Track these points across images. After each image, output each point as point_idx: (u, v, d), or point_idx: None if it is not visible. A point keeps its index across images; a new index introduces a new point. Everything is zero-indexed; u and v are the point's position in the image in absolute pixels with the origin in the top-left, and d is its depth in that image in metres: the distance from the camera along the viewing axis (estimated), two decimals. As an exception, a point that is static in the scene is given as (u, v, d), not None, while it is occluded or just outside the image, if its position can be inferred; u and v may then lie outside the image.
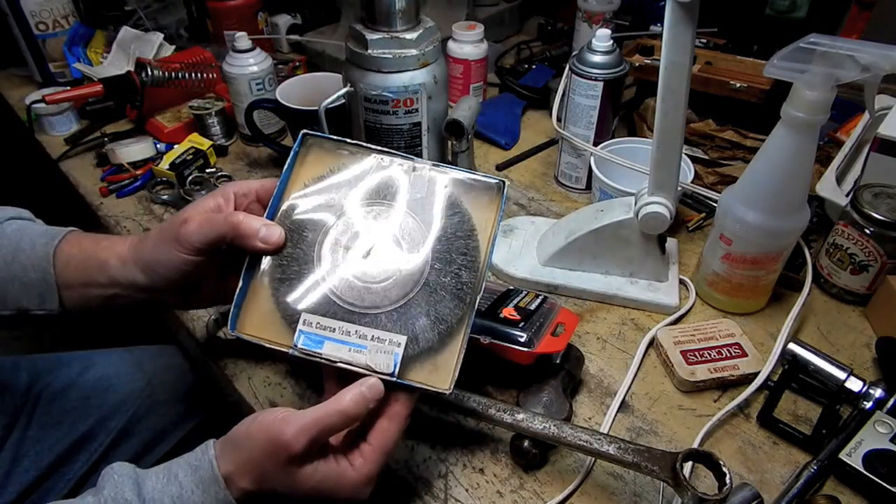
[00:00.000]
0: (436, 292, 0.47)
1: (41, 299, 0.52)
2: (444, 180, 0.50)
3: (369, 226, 0.49)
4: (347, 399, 0.42)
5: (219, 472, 0.41)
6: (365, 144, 0.51)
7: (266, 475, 0.41)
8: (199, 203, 0.50)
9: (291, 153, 0.51)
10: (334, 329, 0.45)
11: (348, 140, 0.51)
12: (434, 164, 0.51)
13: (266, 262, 0.48)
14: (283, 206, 0.49)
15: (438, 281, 0.47)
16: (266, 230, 0.47)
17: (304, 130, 0.52)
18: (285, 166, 0.50)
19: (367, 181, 0.50)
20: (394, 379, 0.44)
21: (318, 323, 0.46)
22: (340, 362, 0.45)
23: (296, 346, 0.45)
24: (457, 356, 0.45)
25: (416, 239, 0.48)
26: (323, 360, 0.45)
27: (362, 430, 0.45)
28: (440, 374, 0.45)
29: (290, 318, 0.46)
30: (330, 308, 0.46)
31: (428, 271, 0.47)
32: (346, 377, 0.45)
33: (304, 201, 0.49)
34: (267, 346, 0.46)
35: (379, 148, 0.51)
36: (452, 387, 0.44)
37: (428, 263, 0.47)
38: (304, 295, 0.47)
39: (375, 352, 0.45)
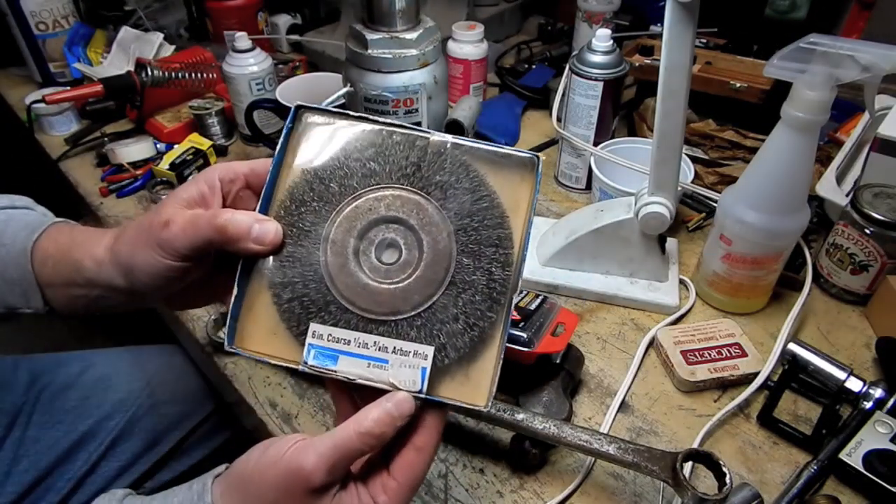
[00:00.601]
0: (465, 293, 0.41)
1: (25, 298, 0.48)
2: (465, 157, 0.43)
3: (381, 214, 0.42)
4: (371, 420, 0.36)
5: None
6: (370, 117, 0.43)
7: None
8: (179, 194, 0.43)
9: (284, 130, 0.43)
10: (349, 341, 0.40)
11: (350, 112, 0.44)
12: (455, 138, 0.43)
13: (263, 264, 0.41)
14: (279, 196, 0.42)
15: (467, 279, 0.41)
16: (259, 228, 0.40)
17: (298, 102, 0.44)
18: (277, 146, 0.43)
19: (375, 161, 0.43)
20: (422, 396, 0.39)
21: (331, 335, 0.40)
22: (359, 380, 0.39)
23: (306, 362, 0.40)
24: (493, 366, 0.40)
25: (438, 229, 0.41)
26: (339, 378, 0.39)
27: (385, 453, 0.40)
28: (473, 387, 0.40)
29: (297, 330, 0.40)
30: (342, 316, 0.40)
31: (454, 268, 0.41)
32: (362, 393, 0.40)
33: (302, 188, 0.42)
34: (273, 362, 0.40)
35: (386, 120, 0.43)
36: (490, 402, 0.39)
37: (453, 259, 0.41)
38: (311, 301, 0.41)
39: (399, 366, 0.39)
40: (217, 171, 0.44)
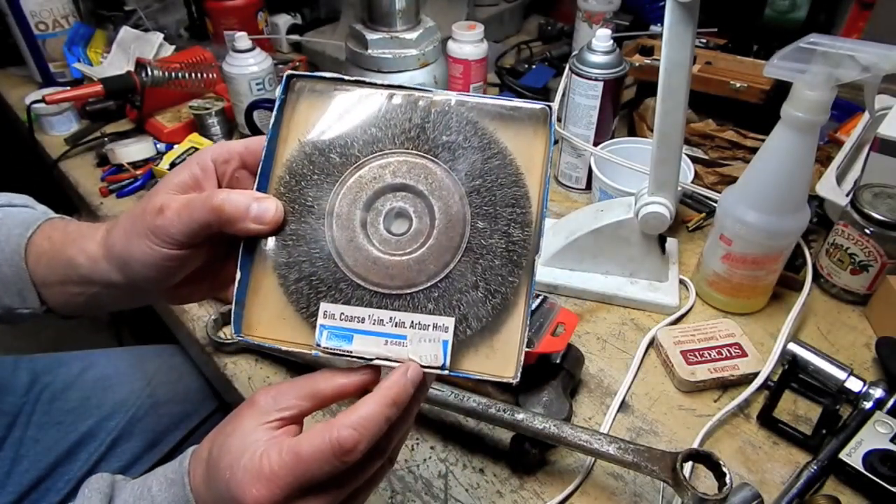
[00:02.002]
0: (483, 257, 0.38)
1: (22, 297, 0.46)
2: (472, 114, 0.40)
3: (387, 182, 0.40)
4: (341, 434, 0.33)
5: (190, 494, 0.38)
6: (366, 80, 0.41)
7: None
8: (171, 179, 0.40)
9: (276, 102, 0.40)
10: (363, 318, 0.38)
11: (346, 77, 0.41)
12: (459, 95, 0.40)
13: (266, 244, 0.39)
14: (277, 172, 0.40)
15: (484, 243, 0.38)
16: (258, 206, 0.38)
17: (289, 71, 0.41)
18: (271, 120, 0.40)
19: (377, 126, 0.40)
20: (446, 372, 0.37)
21: (343, 313, 0.38)
22: (377, 359, 0.37)
23: (318, 344, 0.38)
24: (519, 334, 0.38)
25: (449, 193, 0.39)
26: (355, 359, 0.37)
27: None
28: (500, 359, 0.38)
29: (307, 312, 0.38)
30: (354, 293, 0.38)
31: (469, 233, 0.39)
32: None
33: (300, 161, 0.40)
34: (284, 348, 0.39)
35: (386, 83, 0.41)
36: (519, 373, 0.37)
37: (467, 223, 0.39)
38: (319, 280, 0.39)
39: (418, 341, 0.37)
40: (210, 152, 0.41)
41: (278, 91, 0.41)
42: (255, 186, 0.40)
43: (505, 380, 0.37)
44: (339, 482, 0.36)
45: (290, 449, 0.34)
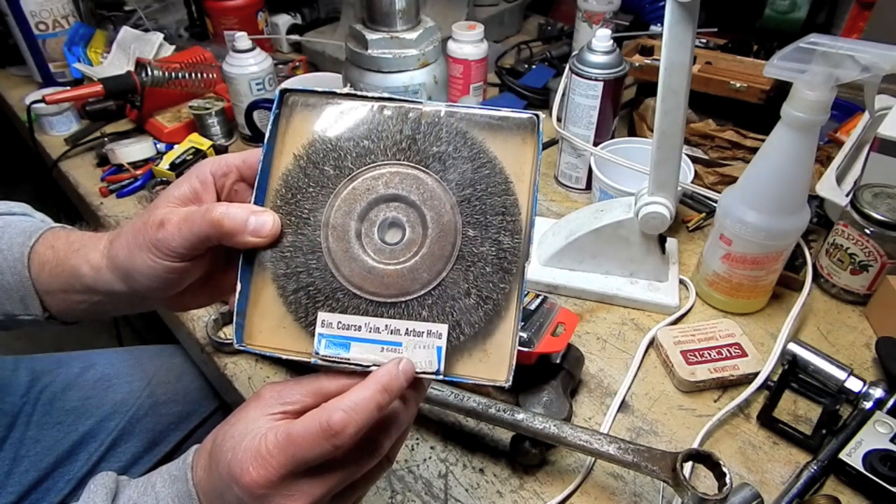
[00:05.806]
0: (474, 265, 0.39)
1: (24, 305, 0.47)
2: (461, 124, 0.41)
3: (380, 193, 0.41)
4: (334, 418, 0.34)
5: (193, 488, 0.38)
6: (358, 93, 0.42)
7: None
8: (171, 192, 0.42)
9: (271, 117, 0.41)
10: (360, 327, 0.39)
11: (338, 91, 0.43)
12: (448, 106, 0.41)
13: (265, 256, 0.40)
14: (273, 185, 0.41)
15: (475, 251, 0.40)
16: (256, 220, 0.39)
17: (282, 86, 0.42)
18: (266, 134, 0.41)
19: (369, 138, 0.41)
20: (440, 377, 0.38)
21: (340, 322, 0.39)
22: (374, 366, 0.38)
23: (317, 352, 0.39)
24: (511, 339, 0.39)
25: (440, 203, 0.40)
26: (352, 366, 0.39)
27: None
28: (492, 363, 0.39)
29: (305, 321, 0.40)
30: (351, 302, 0.39)
31: (460, 241, 0.40)
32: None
33: (296, 174, 0.41)
34: (284, 357, 0.40)
35: (376, 95, 0.42)
36: (511, 376, 0.38)
37: (459, 232, 0.40)
38: (317, 290, 0.40)
39: (413, 347, 0.39)
40: (208, 165, 0.43)
41: (273, 106, 0.42)
42: (253, 200, 0.41)
43: (498, 383, 0.38)
44: (332, 468, 0.37)
45: (284, 430, 0.35)
